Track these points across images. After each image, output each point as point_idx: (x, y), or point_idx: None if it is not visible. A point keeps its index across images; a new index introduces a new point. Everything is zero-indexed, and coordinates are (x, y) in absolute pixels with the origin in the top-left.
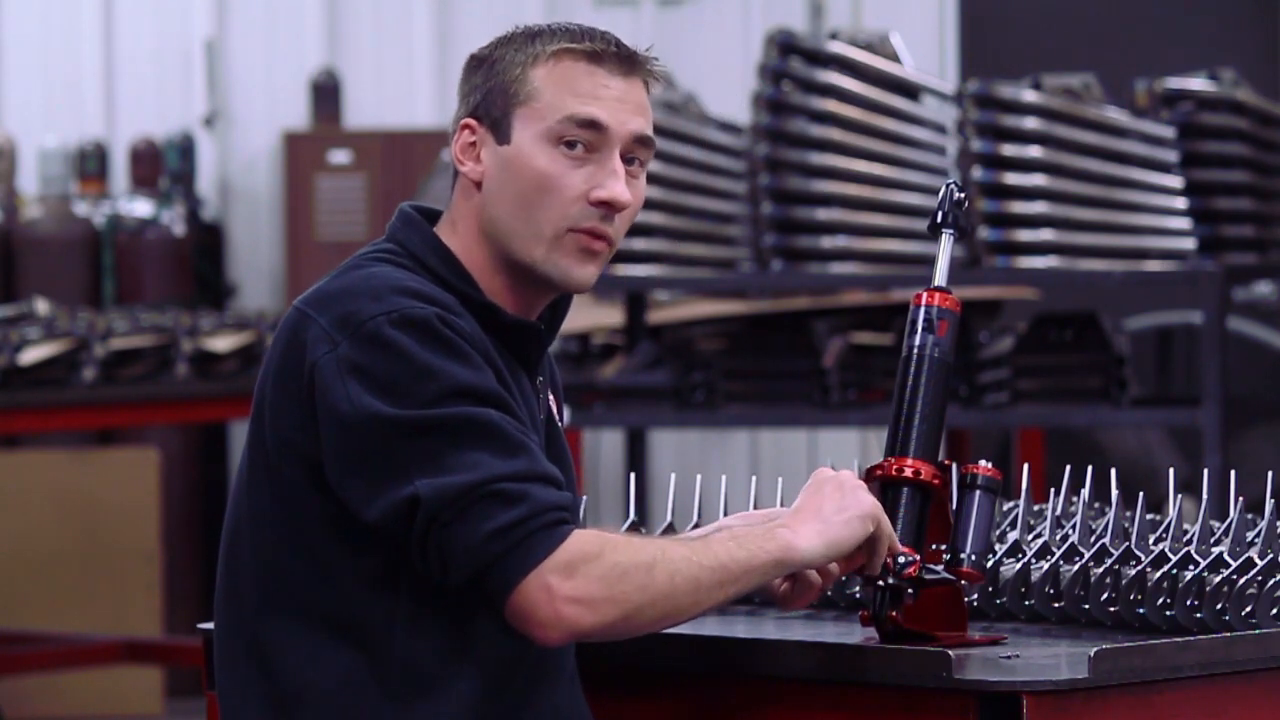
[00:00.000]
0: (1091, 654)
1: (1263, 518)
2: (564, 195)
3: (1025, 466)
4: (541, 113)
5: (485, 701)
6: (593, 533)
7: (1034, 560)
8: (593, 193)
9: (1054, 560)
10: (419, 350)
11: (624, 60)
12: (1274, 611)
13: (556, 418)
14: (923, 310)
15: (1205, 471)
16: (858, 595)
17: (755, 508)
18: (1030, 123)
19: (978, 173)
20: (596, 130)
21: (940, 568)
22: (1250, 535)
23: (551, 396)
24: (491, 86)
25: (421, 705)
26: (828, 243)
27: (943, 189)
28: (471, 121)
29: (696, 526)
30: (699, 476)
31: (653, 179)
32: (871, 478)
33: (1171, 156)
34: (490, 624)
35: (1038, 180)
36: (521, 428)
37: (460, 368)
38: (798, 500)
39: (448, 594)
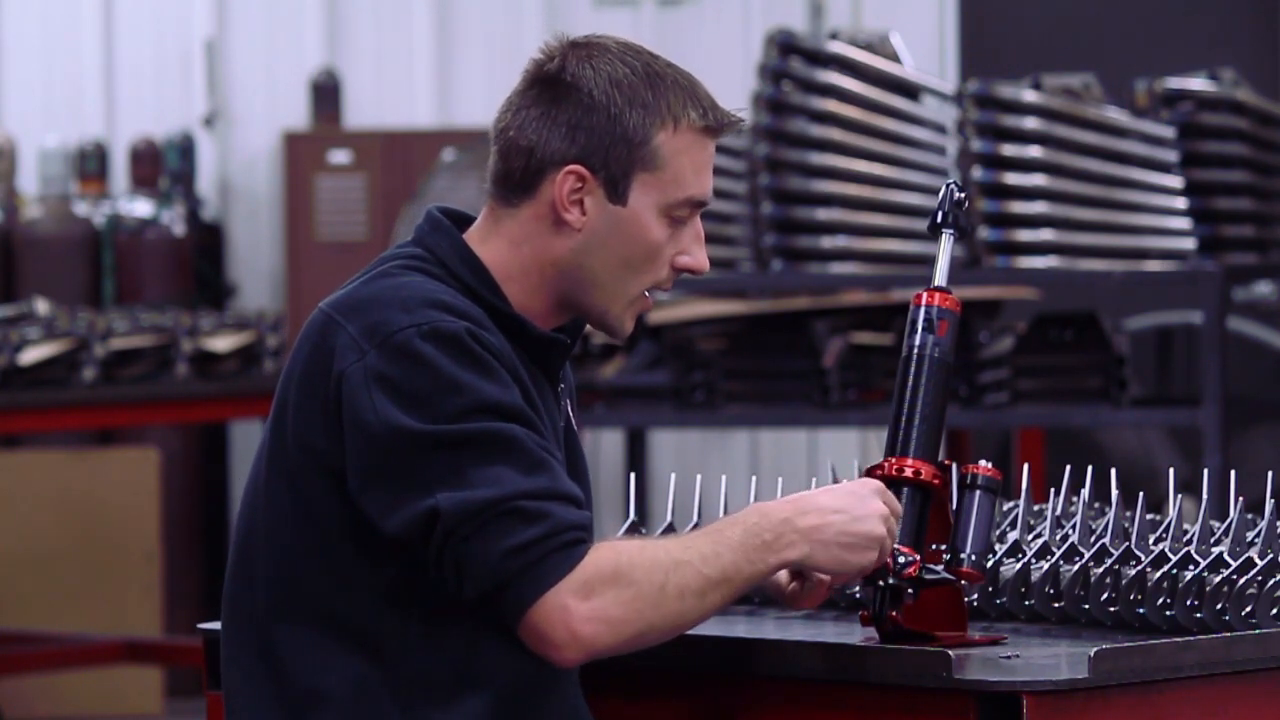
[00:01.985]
0: (1091, 654)
1: (1263, 518)
2: (661, 261)
3: (1025, 466)
4: (664, 185)
5: (497, 713)
6: (608, 550)
7: (1034, 560)
8: (679, 259)
9: (1054, 560)
10: (448, 364)
11: (726, 129)
12: (1274, 611)
13: (574, 423)
14: (923, 310)
15: (1205, 471)
16: (858, 595)
17: None
18: (1030, 123)
19: (978, 173)
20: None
21: (940, 568)
22: (1250, 535)
23: (568, 402)
24: (612, 139)
25: (434, 716)
26: (828, 243)
27: (943, 189)
28: (585, 172)
29: (696, 527)
30: (699, 476)
31: None
32: (871, 478)
33: (1171, 156)
34: (504, 639)
35: (1038, 180)
36: (545, 444)
37: (487, 384)
38: (813, 500)
39: (463, 608)
